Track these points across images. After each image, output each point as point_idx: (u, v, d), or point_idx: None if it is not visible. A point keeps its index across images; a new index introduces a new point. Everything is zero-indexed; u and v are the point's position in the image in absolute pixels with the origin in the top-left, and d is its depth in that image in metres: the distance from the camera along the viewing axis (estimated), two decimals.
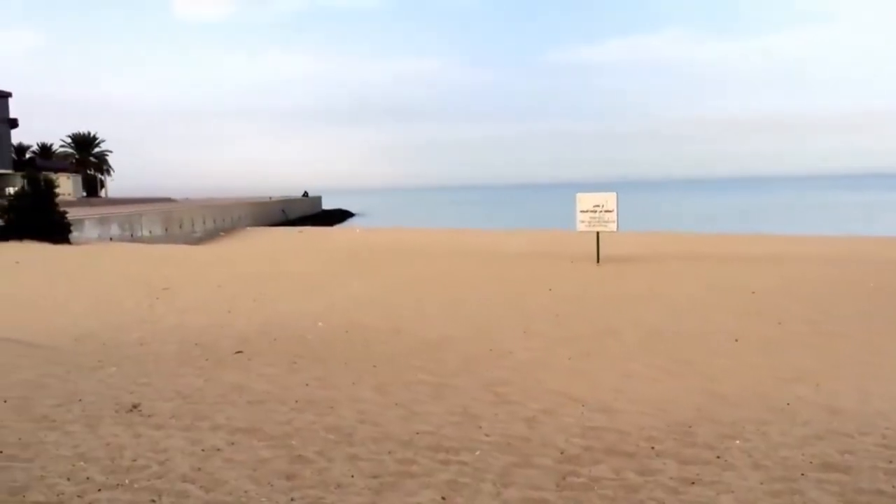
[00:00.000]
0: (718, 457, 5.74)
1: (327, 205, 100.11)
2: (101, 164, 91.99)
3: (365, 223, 71.76)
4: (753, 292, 14.34)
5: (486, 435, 6.26)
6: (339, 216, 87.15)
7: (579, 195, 21.04)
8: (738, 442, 6.07)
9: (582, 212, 20.75)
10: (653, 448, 5.94)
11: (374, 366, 8.80)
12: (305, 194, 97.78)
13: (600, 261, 20.08)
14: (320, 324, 11.41)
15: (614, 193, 20.80)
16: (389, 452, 5.81)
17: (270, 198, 76.59)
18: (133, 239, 31.81)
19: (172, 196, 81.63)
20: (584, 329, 11.05)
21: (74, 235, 24.92)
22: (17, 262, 18.67)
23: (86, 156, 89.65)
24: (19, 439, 6.04)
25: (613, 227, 20.42)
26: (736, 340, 10.12)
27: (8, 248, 21.16)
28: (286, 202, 74.64)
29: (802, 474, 5.37)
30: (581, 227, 20.84)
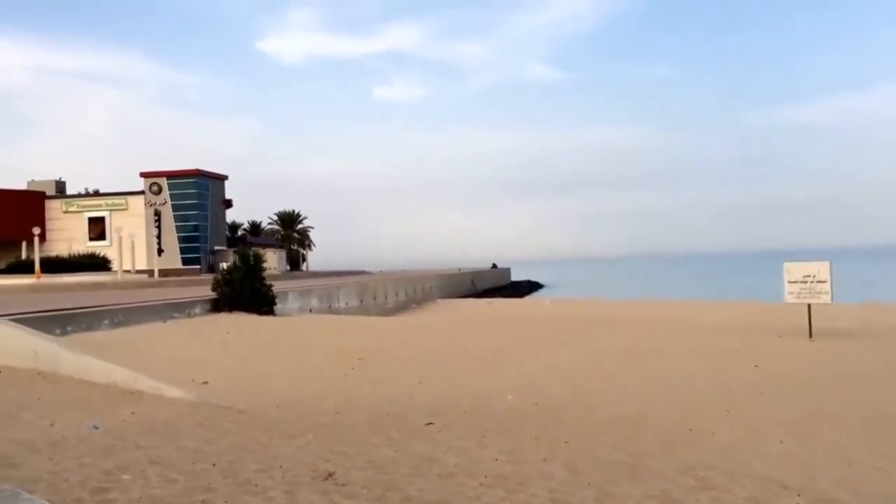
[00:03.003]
0: None
1: (516, 276, 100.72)
2: (304, 240, 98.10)
3: (554, 294, 71.35)
4: None
5: None
6: (527, 287, 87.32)
7: (787, 264, 19.77)
8: None
9: (790, 282, 19.44)
10: None
11: (566, 442, 8.48)
12: (494, 266, 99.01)
13: (813, 335, 18.59)
14: (510, 397, 11.23)
15: (828, 262, 19.37)
16: None
17: (460, 269, 78.20)
18: (331, 310, 33.31)
19: (367, 268, 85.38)
20: (795, 410, 10.14)
21: (279, 307, 26.39)
22: (228, 333, 20.00)
23: (290, 232, 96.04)
24: (225, 502, 6.26)
25: (827, 298, 18.94)
26: None
27: (220, 320, 22.75)
28: (475, 274, 75.81)
29: None
30: (790, 298, 19.51)
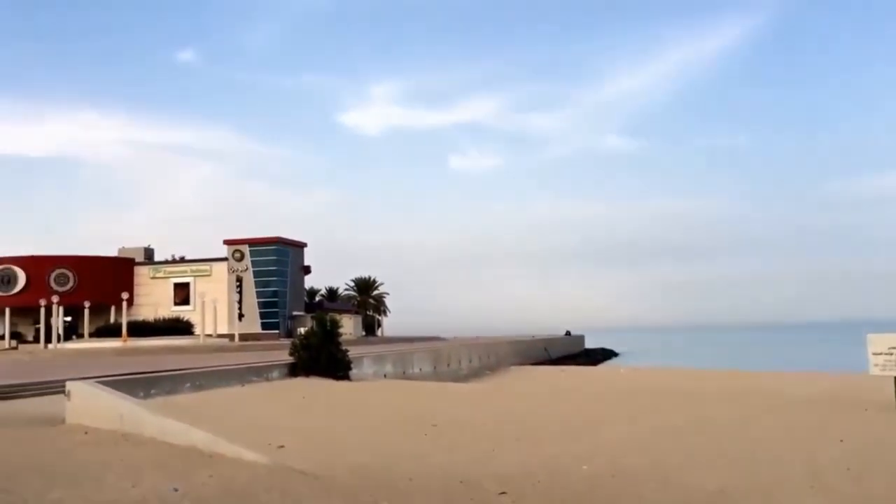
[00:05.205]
0: None
1: (590, 344, 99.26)
2: (379, 305, 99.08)
3: (629, 362, 69.96)
4: None
5: None
6: (601, 355, 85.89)
7: (871, 336, 19.04)
8: None
9: (875, 354, 18.70)
10: None
11: None
12: (568, 333, 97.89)
13: None
14: (585, 467, 11.05)
15: None
16: None
17: (533, 337, 77.59)
18: (405, 376, 33.42)
19: (442, 334, 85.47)
20: (884, 487, 9.68)
21: (354, 372, 26.66)
22: (304, 397, 20.28)
23: (366, 297, 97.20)
24: None
25: None
26: None
27: (297, 384, 23.11)
28: (548, 341, 75.07)
29: None
30: (875, 370, 18.74)
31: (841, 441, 13.35)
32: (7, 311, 61.89)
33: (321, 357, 25.21)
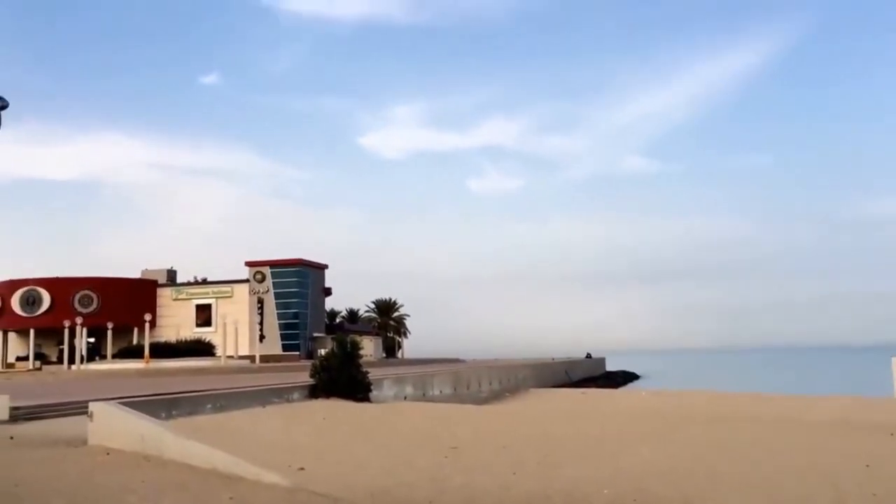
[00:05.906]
0: None
1: (611, 366, 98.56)
2: (399, 327, 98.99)
3: (650, 385, 69.33)
4: None
5: None
6: (622, 378, 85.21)
7: None
8: None
9: None
10: None
11: None
12: (588, 356, 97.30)
13: None
14: (606, 491, 10.96)
15: None
16: None
17: (553, 359, 77.19)
18: (425, 398, 33.34)
19: (461, 356, 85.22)
20: None
21: (374, 394, 26.64)
22: (324, 419, 20.29)
23: (386, 319, 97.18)
24: None
25: None
26: None
27: (317, 405, 23.13)
28: (569, 363, 74.65)
29: None
30: None
31: (867, 466, 13.15)
32: (31, 332, 62.53)
33: (341, 379, 25.23)
